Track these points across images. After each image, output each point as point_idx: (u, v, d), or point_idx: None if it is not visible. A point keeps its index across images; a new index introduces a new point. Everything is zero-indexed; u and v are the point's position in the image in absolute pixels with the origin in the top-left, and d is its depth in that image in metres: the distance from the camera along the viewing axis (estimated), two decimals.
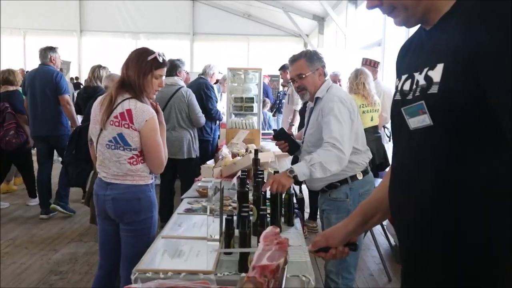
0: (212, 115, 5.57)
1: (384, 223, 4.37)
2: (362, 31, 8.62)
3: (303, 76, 2.68)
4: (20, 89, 5.61)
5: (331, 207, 2.68)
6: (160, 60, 2.42)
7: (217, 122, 6.00)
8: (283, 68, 6.72)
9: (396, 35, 6.42)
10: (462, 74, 0.96)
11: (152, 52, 2.42)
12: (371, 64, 5.34)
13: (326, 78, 2.75)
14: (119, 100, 2.37)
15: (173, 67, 4.66)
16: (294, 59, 2.74)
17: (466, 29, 0.96)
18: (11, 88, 5.46)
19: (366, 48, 8.20)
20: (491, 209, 0.99)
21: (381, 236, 4.57)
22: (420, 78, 1.07)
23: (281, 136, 2.98)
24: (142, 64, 2.38)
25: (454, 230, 1.03)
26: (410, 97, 1.10)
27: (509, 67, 0.87)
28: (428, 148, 1.06)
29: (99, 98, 2.50)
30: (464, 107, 0.96)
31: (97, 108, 2.44)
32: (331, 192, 2.67)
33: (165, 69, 2.50)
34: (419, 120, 1.06)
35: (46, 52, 5.33)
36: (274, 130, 3.35)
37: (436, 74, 1.02)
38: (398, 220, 1.23)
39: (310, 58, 2.70)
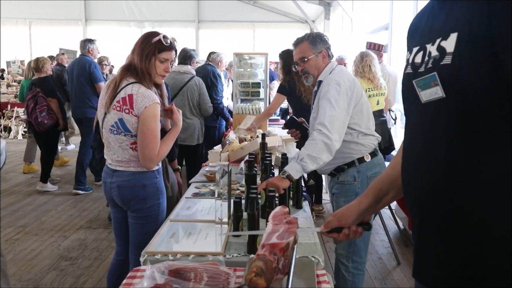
0: (214, 105, 5.41)
1: (393, 206, 4.36)
2: (369, 15, 8.52)
3: (306, 59, 2.66)
4: (49, 75, 6.20)
5: (339, 190, 2.66)
6: (165, 42, 2.36)
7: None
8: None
9: (404, 18, 6.34)
10: (478, 44, 0.93)
11: (157, 35, 2.37)
12: (376, 48, 5.29)
13: (331, 60, 2.70)
14: (123, 84, 2.33)
15: (188, 56, 4.82)
16: (297, 42, 2.72)
17: (479, 2, 0.93)
18: (42, 75, 5.92)
19: (373, 32, 8.11)
20: (508, 190, 0.93)
21: (390, 220, 4.56)
22: (432, 49, 1.04)
23: (291, 124, 2.99)
24: (146, 46, 2.33)
25: (469, 210, 0.98)
26: (422, 69, 1.06)
27: None
28: (440, 122, 1.03)
29: (108, 81, 2.48)
30: (479, 78, 0.92)
31: (104, 91, 2.42)
32: (339, 176, 2.65)
33: (172, 53, 2.42)
34: (431, 93, 1.02)
35: (85, 43, 6.00)
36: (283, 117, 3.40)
37: (450, 44, 0.98)
38: (409, 198, 1.19)
39: (313, 40, 2.67)
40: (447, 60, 0.99)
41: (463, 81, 0.95)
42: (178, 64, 4.80)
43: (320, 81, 2.66)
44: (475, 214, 0.97)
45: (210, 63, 5.82)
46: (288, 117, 3.60)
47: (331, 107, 2.44)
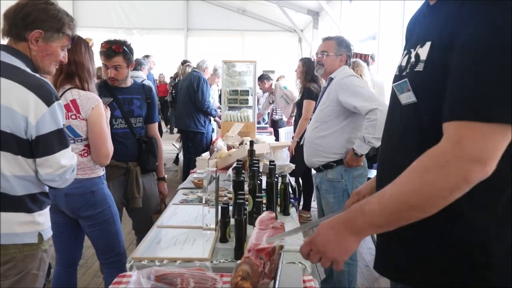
0: (204, 109, 5.69)
1: None
2: (356, 25, 8.60)
3: (326, 54, 2.97)
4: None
5: (328, 187, 2.89)
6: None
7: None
8: (261, 79, 6.97)
9: (391, 28, 6.42)
10: (444, 54, 1.00)
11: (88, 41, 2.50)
12: (362, 58, 5.35)
13: (345, 66, 3.01)
14: (60, 93, 2.35)
15: (139, 64, 5.88)
16: (327, 38, 3.11)
17: (456, 12, 0.99)
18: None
19: (360, 41, 8.19)
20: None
21: None
22: (413, 55, 1.12)
23: None
24: (90, 51, 2.49)
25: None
26: (403, 73, 1.14)
27: (471, 61, 0.93)
28: (413, 125, 1.10)
29: None
30: (444, 85, 0.99)
31: None
32: (327, 172, 2.91)
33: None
34: (406, 97, 1.11)
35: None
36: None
37: (424, 51, 1.06)
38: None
39: (339, 42, 3.01)
40: (420, 67, 1.07)
41: (432, 87, 1.01)
42: (132, 70, 5.54)
43: (331, 79, 2.94)
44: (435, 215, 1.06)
45: (196, 69, 5.96)
46: None
47: (361, 89, 2.79)
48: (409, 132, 1.12)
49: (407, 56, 1.15)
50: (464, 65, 0.94)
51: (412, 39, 1.17)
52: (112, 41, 2.88)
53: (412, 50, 1.13)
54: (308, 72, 4.74)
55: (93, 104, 2.34)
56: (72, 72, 2.38)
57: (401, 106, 1.13)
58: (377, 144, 2.69)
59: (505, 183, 1.04)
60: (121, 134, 2.85)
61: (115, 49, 2.81)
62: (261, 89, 7.29)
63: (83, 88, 2.38)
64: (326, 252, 1.13)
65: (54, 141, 1.73)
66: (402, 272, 1.19)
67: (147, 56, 7.37)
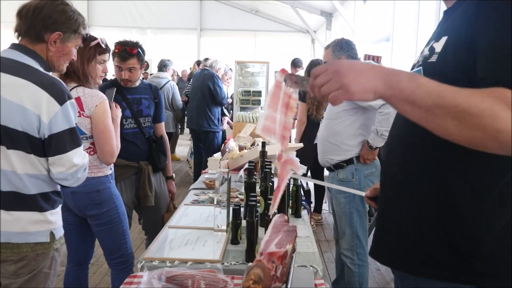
0: (222, 103, 5.86)
1: None
2: (370, 26, 8.55)
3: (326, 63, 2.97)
4: None
5: None
6: (103, 45, 2.45)
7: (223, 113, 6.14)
8: (293, 64, 6.77)
9: (405, 30, 6.36)
10: (462, 45, 1.04)
11: (94, 39, 2.43)
12: (374, 60, 5.32)
13: None
14: None
15: (164, 65, 6.61)
16: (325, 48, 3.21)
17: (472, 12, 1.04)
18: None
19: (374, 43, 8.14)
20: (473, 177, 1.09)
21: None
22: (426, 49, 1.18)
23: None
24: (86, 50, 2.38)
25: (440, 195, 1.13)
26: (415, 65, 1.22)
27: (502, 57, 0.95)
28: None
29: None
30: (455, 78, 1.01)
31: None
32: (339, 172, 2.96)
33: (107, 54, 2.52)
34: None
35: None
36: None
37: (439, 45, 1.11)
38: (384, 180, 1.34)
39: (335, 47, 3.08)
40: (433, 58, 1.12)
41: (441, 79, 1.00)
42: (158, 71, 6.70)
43: None
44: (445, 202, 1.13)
45: (207, 68, 5.96)
46: None
47: None
48: (415, 123, 1.13)
49: (421, 54, 1.21)
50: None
51: (428, 42, 1.24)
52: (126, 42, 2.89)
53: (426, 47, 1.19)
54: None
55: (96, 102, 2.35)
56: (69, 70, 2.39)
57: None
58: (385, 138, 2.75)
59: (499, 177, 1.09)
60: (131, 134, 2.87)
61: (130, 51, 2.82)
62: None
63: (86, 86, 2.39)
64: (343, 75, 0.97)
65: (67, 140, 1.73)
66: (397, 258, 1.23)
67: (168, 60, 7.42)
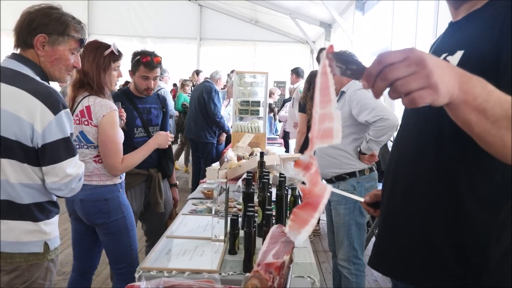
0: (214, 119, 5.73)
1: None
2: (369, 37, 8.60)
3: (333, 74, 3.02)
4: None
5: (339, 198, 2.92)
6: (116, 52, 2.46)
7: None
8: (296, 73, 6.74)
9: (403, 41, 6.40)
10: (481, 61, 1.01)
11: (108, 46, 2.43)
12: None
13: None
14: (79, 99, 2.38)
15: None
16: None
17: (490, 27, 1.03)
18: None
19: (373, 54, 8.19)
20: (487, 171, 1.07)
21: None
22: None
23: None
24: (100, 60, 2.39)
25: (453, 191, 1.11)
26: None
27: None
28: (432, 124, 1.13)
29: None
30: None
31: None
32: (339, 184, 2.97)
33: (121, 60, 2.53)
34: None
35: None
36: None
37: (455, 59, 1.07)
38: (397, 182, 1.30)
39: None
40: None
41: None
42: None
43: (343, 92, 3.00)
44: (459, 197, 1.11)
45: (208, 80, 6.00)
46: None
47: (371, 101, 2.80)
48: (427, 133, 1.15)
49: None
50: None
51: (433, 53, 1.19)
52: (148, 52, 2.94)
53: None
54: (309, 87, 4.70)
55: (104, 112, 2.35)
56: (83, 81, 2.41)
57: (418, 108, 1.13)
58: (375, 147, 2.87)
59: (511, 191, 1.07)
60: (141, 143, 2.88)
61: (156, 61, 2.88)
62: (292, 82, 6.94)
63: (99, 96, 2.40)
64: (432, 71, 0.76)
65: (61, 150, 1.72)
66: (402, 269, 1.21)
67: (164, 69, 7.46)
